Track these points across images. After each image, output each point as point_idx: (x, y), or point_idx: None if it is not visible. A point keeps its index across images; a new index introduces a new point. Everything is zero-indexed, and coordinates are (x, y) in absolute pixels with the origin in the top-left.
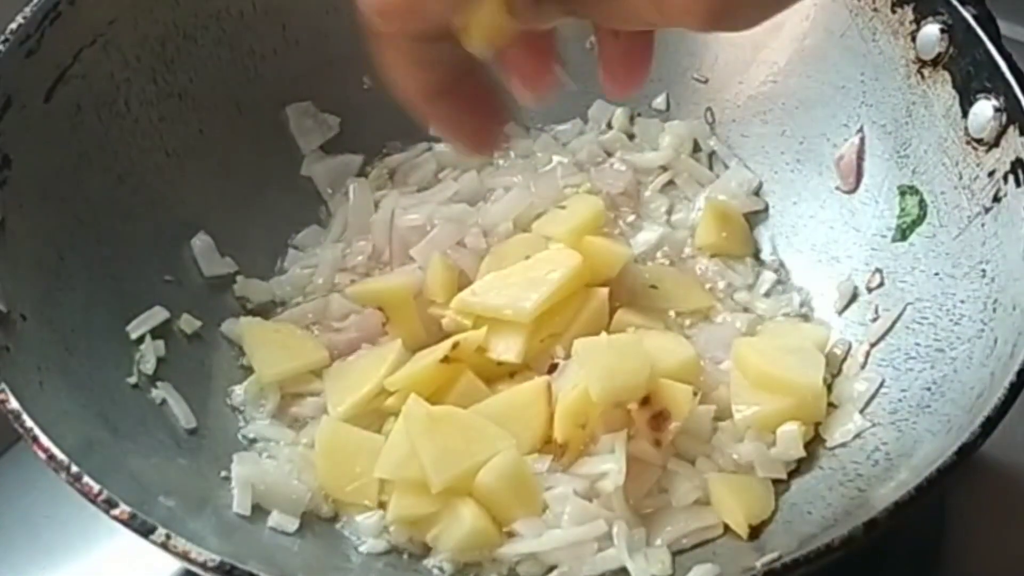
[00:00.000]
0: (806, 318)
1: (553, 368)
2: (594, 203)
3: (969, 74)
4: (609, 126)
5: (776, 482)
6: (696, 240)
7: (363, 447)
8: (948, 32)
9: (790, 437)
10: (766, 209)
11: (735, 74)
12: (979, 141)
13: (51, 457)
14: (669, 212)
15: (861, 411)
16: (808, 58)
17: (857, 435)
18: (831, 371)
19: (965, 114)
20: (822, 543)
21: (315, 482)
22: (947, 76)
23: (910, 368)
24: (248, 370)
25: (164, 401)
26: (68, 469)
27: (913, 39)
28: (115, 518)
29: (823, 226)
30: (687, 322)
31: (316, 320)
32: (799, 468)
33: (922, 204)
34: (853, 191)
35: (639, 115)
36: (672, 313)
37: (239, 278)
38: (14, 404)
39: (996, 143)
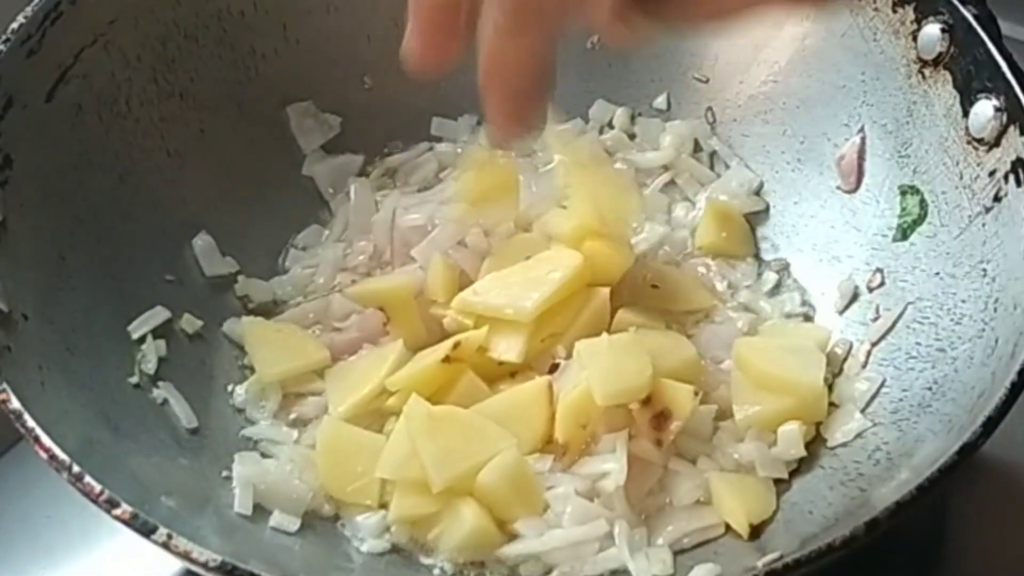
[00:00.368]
0: (807, 318)
1: (554, 368)
2: (597, 204)
3: (970, 74)
4: (610, 126)
5: (777, 482)
6: (697, 240)
7: (364, 447)
8: (949, 32)
9: (791, 437)
10: (767, 209)
11: (736, 74)
12: (980, 141)
13: (52, 457)
14: (670, 212)
15: (862, 411)
16: (809, 58)
17: (858, 435)
18: (832, 371)
19: (966, 114)
20: (823, 543)
21: (316, 482)
22: (948, 76)
23: (911, 367)
24: (249, 370)
25: (165, 401)
26: (70, 469)
27: (914, 39)
28: (116, 518)
29: (824, 226)
30: (688, 322)
31: (317, 320)
32: (800, 468)
33: (923, 204)
34: (854, 191)
35: (640, 115)
36: (673, 313)
37: (240, 278)
38: (15, 404)
39: (997, 143)
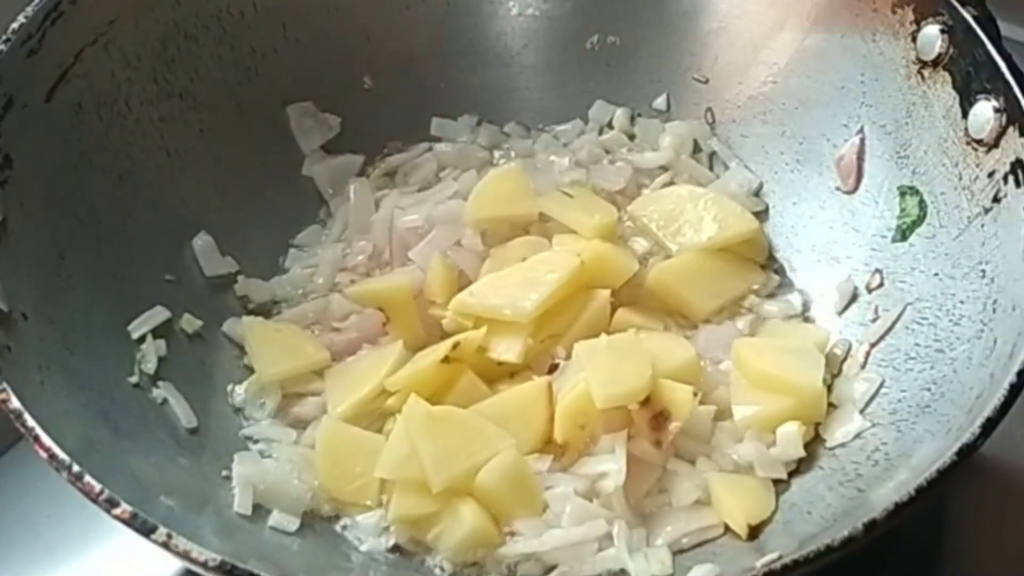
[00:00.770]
0: (806, 319)
1: (554, 368)
2: (609, 209)
3: (969, 75)
4: (610, 126)
5: (776, 482)
6: None
7: (363, 447)
8: (948, 33)
9: (790, 437)
10: (766, 210)
11: (735, 75)
12: (979, 142)
13: (52, 456)
14: None
15: (861, 411)
16: (808, 59)
17: (857, 435)
18: (831, 371)
19: (965, 115)
20: (822, 543)
21: (315, 482)
22: (947, 77)
23: (910, 368)
24: (249, 370)
25: (165, 400)
26: (69, 468)
27: (913, 40)
28: (116, 517)
29: (823, 227)
30: (687, 323)
31: (317, 320)
32: (799, 468)
33: (922, 204)
34: (853, 191)
35: (639, 115)
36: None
37: (240, 278)
38: (15, 403)
39: (996, 144)
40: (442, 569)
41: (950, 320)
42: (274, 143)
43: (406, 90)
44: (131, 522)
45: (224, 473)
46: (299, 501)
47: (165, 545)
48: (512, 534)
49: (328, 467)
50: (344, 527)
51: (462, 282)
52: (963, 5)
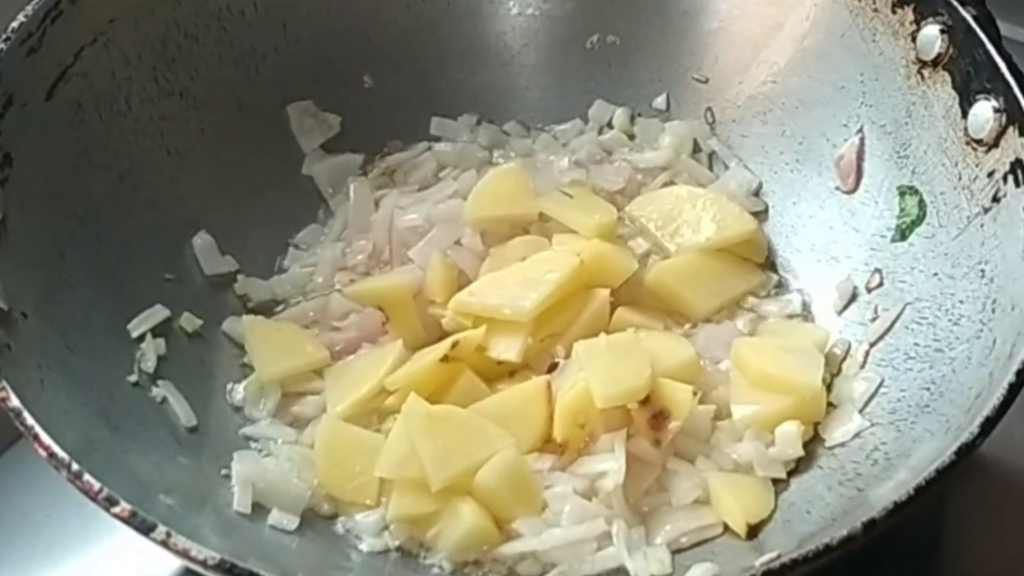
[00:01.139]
0: (806, 318)
1: (553, 368)
2: (608, 209)
3: (969, 75)
4: (609, 126)
5: (775, 481)
6: None
7: (363, 445)
8: (948, 33)
9: (789, 437)
10: (766, 210)
11: (735, 74)
12: (979, 142)
13: (52, 455)
14: None
15: (860, 411)
16: (808, 58)
17: (856, 435)
18: (830, 371)
19: (965, 114)
20: (821, 542)
21: (315, 480)
22: (947, 77)
23: (909, 368)
24: (249, 368)
25: (165, 399)
26: (69, 467)
27: (913, 39)
28: (115, 516)
29: (823, 226)
30: (687, 322)
31: (316, 319)
32: (798, 468)
33: (921, 204)
34: (853, 191)
35: (639, 115)
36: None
37: (240, 277)
38: (15, 402)
39: (996, 143)
40: (441, 568)
41: (949, 320)
42: (274, 142)
43: (406, 89)
44: (130, 520)
45: (223, 472)
46: (298, 500)
47: (164, 543)
48: (512, 533)
49: (327, 466)
50: (343, 526)
51: (462, 281)
52: (963, 5)
